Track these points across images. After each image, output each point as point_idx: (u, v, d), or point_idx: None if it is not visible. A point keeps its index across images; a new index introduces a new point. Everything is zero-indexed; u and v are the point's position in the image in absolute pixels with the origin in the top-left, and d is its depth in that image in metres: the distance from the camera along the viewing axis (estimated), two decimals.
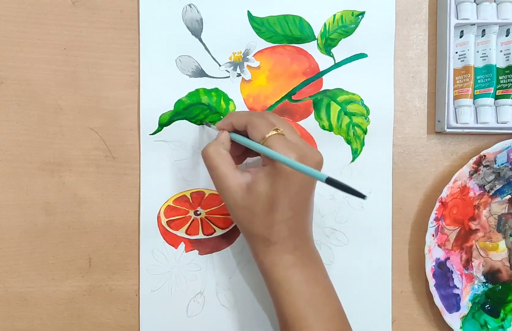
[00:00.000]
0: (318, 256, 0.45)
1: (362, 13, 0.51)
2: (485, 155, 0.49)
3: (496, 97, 0.50)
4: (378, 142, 0.51)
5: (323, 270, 0.45)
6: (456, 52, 0.50)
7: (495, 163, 0.50)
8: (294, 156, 0.40)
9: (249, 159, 0.50)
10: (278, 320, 0.45)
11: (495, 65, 0.49)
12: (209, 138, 0.51)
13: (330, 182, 0.34)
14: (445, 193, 0.49)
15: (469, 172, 0.50)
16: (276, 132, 0.41)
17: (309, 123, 0.51)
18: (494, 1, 0.50)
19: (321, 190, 0.51)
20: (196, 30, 0.50)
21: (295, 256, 0.43)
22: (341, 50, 0.51)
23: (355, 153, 0.51)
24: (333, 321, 0.43)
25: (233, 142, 0.45)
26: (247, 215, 0.43)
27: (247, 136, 0.44)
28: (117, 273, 0.51)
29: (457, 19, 0.49)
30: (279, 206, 0.41)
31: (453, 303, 0.50)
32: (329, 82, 0.51)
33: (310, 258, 0.44)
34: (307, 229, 0.45)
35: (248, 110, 0.50)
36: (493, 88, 0.49)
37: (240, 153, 0.47)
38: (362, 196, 0.33)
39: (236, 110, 0.51)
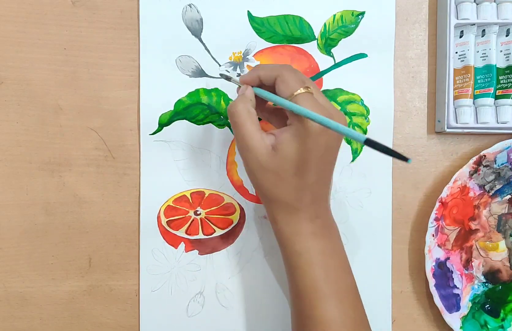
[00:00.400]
0: (336, 228, 0.44)
1: (362, 13, 0.51)
2: (485, 155, 0.49)
3: (496, 97, 0.50)
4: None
5: (340, 242, 0.44)
6: (456, 52, 0.50)
7: (495, 163, 0.50)
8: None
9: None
10: (290, 290, 0.44)
11: (495, 65, 0.49)
12: (210, 136, 0.51)
13: (369, 143, 0.32)
14: (445, 193, 0.49)
15: (469, 172, 0.50)
16: (306, 90, 0.40)
17: None
18: (494, 1, 0.50)
19: None
20: (196, 30, 0.50)
21: (315, 225, 0.42)
22: (341, 50, 0.51)
23: (355, 153, 0.51)
24: (347, 295, 0.42)
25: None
26: (271, 178, 0.41)
27: (272, 92, 0.42)
28: (117, 273, 0.51)
29: (457, 19, 0.49)
30: (306, 169, 0.40)
31: (453, 303, 0.50)
32: (329, 82, 0.51)
33: (329, 229, 0.43)
34: (327, 197, 0.43)
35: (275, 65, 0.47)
36: (493, 88, 0.49)
37: (259, 113, 0.45)
38: (405, 159, 0.31)
39: None
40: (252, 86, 0.43)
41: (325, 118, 0.37)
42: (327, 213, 0.44)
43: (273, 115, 0.46)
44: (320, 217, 0.42)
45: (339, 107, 0.51)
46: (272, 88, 0.42)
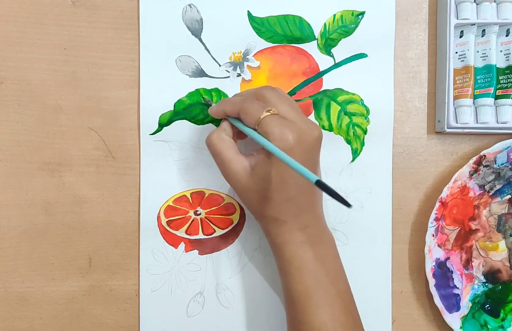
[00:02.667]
0: (329, 235, 0.45)
1: (362, 13, 0.51)
2: (485, 155, 0.49)
3: (496, 97, 0.50)
4: (378, 142, 0.51)
5: (334, 249, 0.45)
6: (456, 52, 0.50)
7: (495, 163, 0.50)
8: (292, 136, 0.40)
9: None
10: (284, 297, 0.45)
11: (495, 65, 0.49)
12: None
13: (319, 184, 0.34)
14: (445, 193, 0.49)
15: (469, 171, 0.50)
16: (268, 113, 0.41)
17: None
18: (494, 1, 0.50)
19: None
20: (196, 30, 0.50)
21: (306, 234, 0.43)
22: (341, 50, 0.51)
23: (355, 153, 0.51)
24: (339, 300, 0.43)
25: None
26: (254, 197, 0.43)
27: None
28: (117, 273, 0.51)
29: (457, 19, 0.49)
30: (284, 185, 0.41)
31: (453, 303, 0.50)
32: (329, 82, 0.51)
33: (321, 237, 0.44)
34: (316, 206, 0.44)
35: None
36: (493, 88, 0.49)
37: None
38: (348, 205, 0.33)
39: None
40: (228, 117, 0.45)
41: (277, 149, 0.39)
42: (318, 221, 0.45)
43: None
44: (310, 226, 0.43)
45: (339, 107, 0.51)
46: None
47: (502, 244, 0.51)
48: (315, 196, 0.44)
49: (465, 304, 0.51)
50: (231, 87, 0.51)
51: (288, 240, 0.43)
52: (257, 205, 0.43)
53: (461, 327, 0.50)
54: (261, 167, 0.42)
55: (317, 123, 0.51)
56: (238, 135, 0.46)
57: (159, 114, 0.50)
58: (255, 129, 0.42)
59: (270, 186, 0.42)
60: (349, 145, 0.51)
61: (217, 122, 0.51)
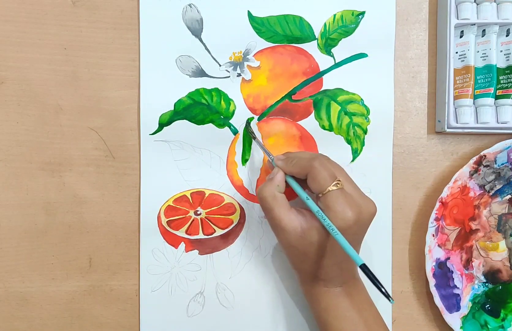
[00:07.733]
0: (363, 286, 0.46)
1: (362, 13, 0.51)
2: (485, 155, 0.49)
3: (496, 97, 0.50)
4: (378, 142, 0.51)
5: (369, 298, 0.46)
6: (456, 52, 0.50)
7: (495, 163, 0.50)
8: (352, 215, 0.41)
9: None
10: None
11: (495, 65, 0.49)
12: (210, 136, 0.51)
13: (363, 269, 0.38)
14: (445, 193, 0.49)
15: (469, 171, 0.50)
16: (336, 187, 0.42)
17: (309, 123, 0.51)
18: (494, 1, 0.50)
19: None
20: (196, 30, 0.50)
21: (342, 288, 0.44)
22: (341, 50, 0.51)
23: (355, 153, 0.51)
24: None
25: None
26: (299, 256, 0.44)
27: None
28: (117, 273, 0.51)
29: (457, 19, 0.49)
30: (333, 253, 0.42)
31: (453, 303, 0.50)
32: (329, 82, 0.51)
33: (356, 287, 0.45)
34: (355, 266, 0.45)
35: (301, 151, 0.50)
36: (493, 88, 0.49)
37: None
38: (388, 298, 0.36)
39: (235, 110, 0.50)
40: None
41: (333, 228, 0.40)
42: (355, 275, 0.46)
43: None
44: (347, 282, 0.45)
45: (339, 107, 0.51)
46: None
47: (502, 244, 0.51)
48: None
49: (465, 304, 0.51)
50: (231, 87, 0.50)
51: (324, 292, 0.44)
52: (300, 263, 0.44)
53: (461, 327, 0.50)
54: (314, 234, 0.42)
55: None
56: (290, 194, 0.46)
57: (159, 114, 0.50)
58: (318, 196, 0.42)
59: (319, 252, 0.42)
60: (349, 145, 0.51)
61: (218, 123, 0.51)
